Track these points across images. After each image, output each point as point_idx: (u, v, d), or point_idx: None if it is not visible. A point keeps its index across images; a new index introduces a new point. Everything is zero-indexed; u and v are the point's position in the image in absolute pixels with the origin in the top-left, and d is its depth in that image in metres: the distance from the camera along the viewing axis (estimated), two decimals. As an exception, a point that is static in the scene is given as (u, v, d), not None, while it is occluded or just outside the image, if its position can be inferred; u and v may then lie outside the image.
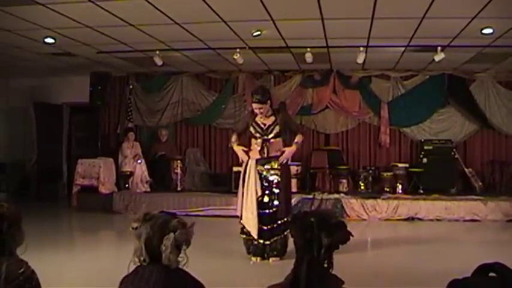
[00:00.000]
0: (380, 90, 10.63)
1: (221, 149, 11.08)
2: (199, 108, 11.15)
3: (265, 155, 5.49)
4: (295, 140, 5.65)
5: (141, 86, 11.33)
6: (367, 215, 8.71)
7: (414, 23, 6.87)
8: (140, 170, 10.07)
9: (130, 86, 11.23)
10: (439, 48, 8.15)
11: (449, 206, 8.58)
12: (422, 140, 10.20)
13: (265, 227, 5.43)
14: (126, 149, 10.26)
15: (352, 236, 1.97)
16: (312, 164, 10.08)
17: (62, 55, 9.11)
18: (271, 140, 5.52)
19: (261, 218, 5.41)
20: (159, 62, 9.07)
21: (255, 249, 5.51)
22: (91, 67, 10.22)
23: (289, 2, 6.09)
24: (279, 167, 5.51)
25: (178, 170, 10.04)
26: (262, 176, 5.50)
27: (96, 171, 9.70)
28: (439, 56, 8.29)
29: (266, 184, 5.49)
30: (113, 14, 6.50)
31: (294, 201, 7.46)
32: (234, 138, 5.78)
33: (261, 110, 5.45)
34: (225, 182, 9.68)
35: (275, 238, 5.45)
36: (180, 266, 2.01)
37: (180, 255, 2.01)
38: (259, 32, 7.34)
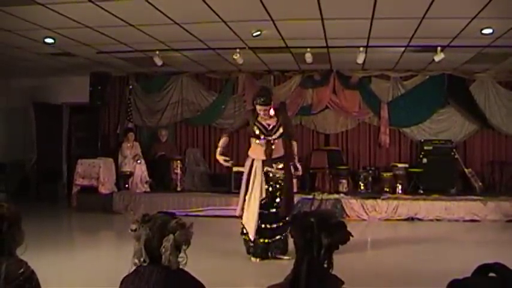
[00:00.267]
0: (380, 90, 10.62)
1: (221, 149, 11.06)
2: (199, 108, 11.13)
3: (270, 156, 5.50)
4: (294, 152, 5.74)
5: (141, 86, 11.32)
6: (367, 215, 8.71)
7: (414, 23, 6.87)
8: (140, 170, 10.06)
9: (130, 86, 11.23)
10: (439, 48, 8.14)
11: (449, 206, 8.58)
12: (422, 140, 10.19)
13: (269, 226, 5.45)
14: (126, 149, 10.25)
15: (352, 236, 1.97)
16: (312, 164, 10.06)
17: (61, 55, 9.10)
18: (276, 141, 5.54)
19: (266, 217, 5.44)
20: (159, 62, 9.06)
21: (255, 249, 5.51)
22: (91, 67, 10.20)
23: (289, 2, 6.09)
24: (283, 167, 5.54)
25: (178, 170, 10.04)
26: (270, 175, 5.51)
27: (96, 172, 9.69)
28: (439, 56, 8.29)
29: (273, 183, 5.51)
30: (113, 14, 6.50)
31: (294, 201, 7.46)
32: (221, 142, 5.84)
33: (266, 112, 5.48)
34: (225, 182, 9.67)
35: (277, 237, 5.48)
36: (180, 266, 2.01)
37: (180, 254, 2.00)
38: (259, 32, 7.34)
